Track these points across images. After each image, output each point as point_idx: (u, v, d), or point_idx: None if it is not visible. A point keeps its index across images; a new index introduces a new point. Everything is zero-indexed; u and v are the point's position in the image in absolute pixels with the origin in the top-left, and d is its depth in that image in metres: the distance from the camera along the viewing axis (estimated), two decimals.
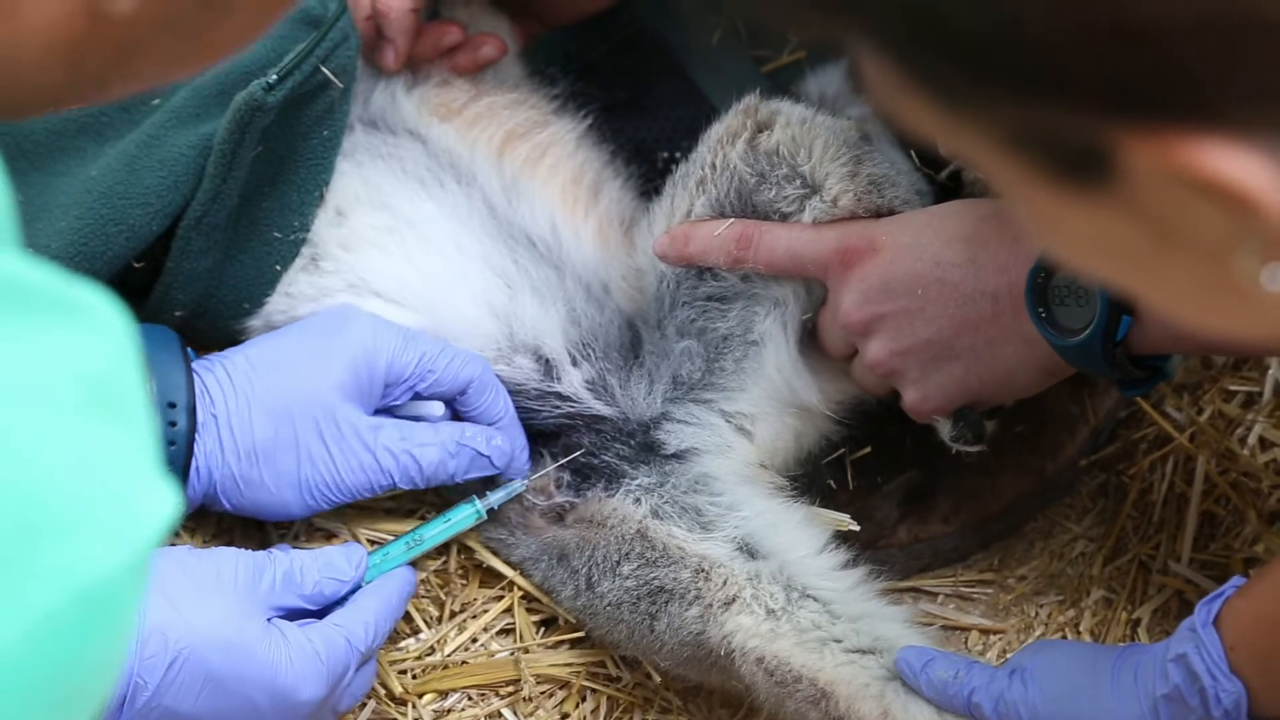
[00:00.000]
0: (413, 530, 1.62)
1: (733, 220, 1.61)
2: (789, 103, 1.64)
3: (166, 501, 0.74)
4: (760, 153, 1.60)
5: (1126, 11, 0.66)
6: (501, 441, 1.63)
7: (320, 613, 1.54)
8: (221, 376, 1.57)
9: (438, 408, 1.63)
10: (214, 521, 1.68)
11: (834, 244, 1.57)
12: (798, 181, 1.59)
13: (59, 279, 0.74)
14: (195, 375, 1.56)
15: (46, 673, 0.70)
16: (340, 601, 1.55)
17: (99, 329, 0.74)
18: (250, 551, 1.51)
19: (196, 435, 1.54)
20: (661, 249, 1.63)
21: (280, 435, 1.57)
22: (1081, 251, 0.81)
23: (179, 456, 1.53)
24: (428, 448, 1.60)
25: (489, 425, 1.64)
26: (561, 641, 1.67)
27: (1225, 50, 0.66)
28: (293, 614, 1.52)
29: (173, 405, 1.53)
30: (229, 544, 1.65)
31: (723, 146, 1.62)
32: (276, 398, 1.57)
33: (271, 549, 1.54)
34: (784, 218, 1.60)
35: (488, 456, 1.62)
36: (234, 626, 1.43)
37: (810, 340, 1.66)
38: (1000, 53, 0.70)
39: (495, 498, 1.64)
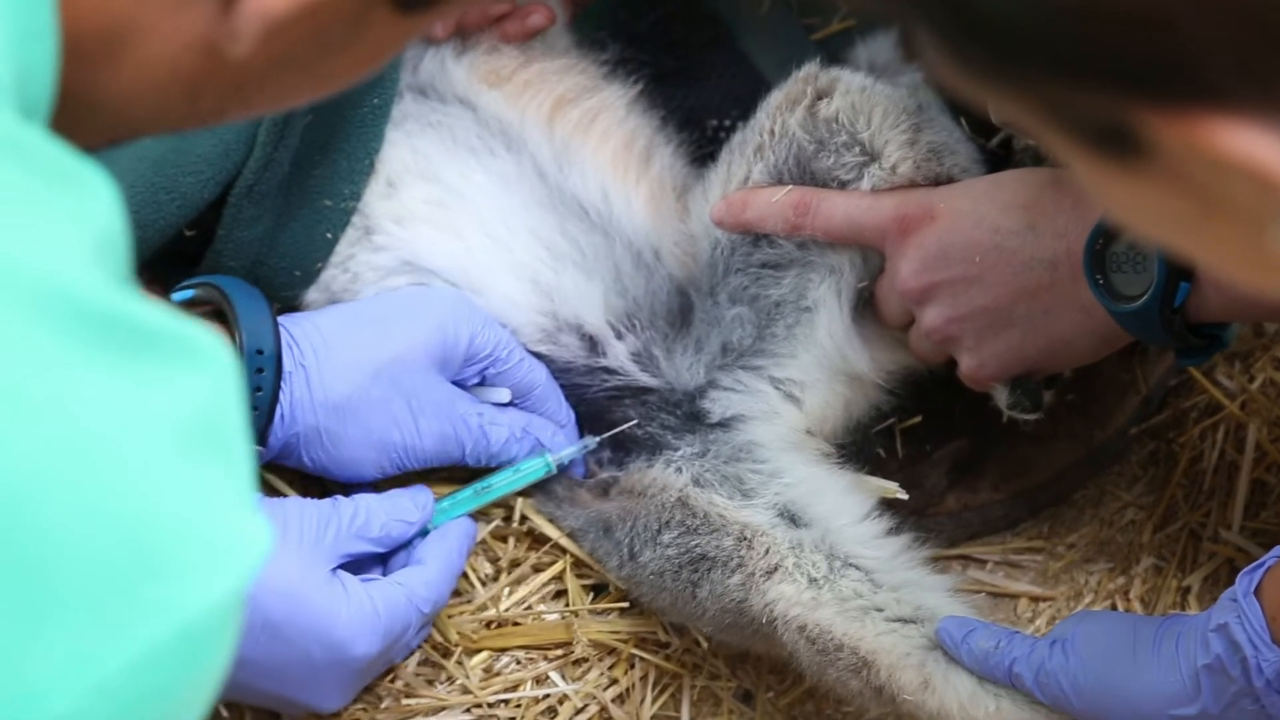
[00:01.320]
0: (482, 479, 1.65)
1: (791, 187, 1.61)
2: (849, 71, 1.64)
3: (262, 539, 0.77)
4: (819, 120, 1.60)
5: None
6: (563, 439, 1.66)
7: (387, 556, 1.58)
8: (310, 330, 1.59)
9: (504, 394, 1.65)
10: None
11: (892, 211, 1.57)
12: (857, 149, 1.59)
13: (170, 317, 0.76)
14: (283, 328, 1.57)
15: (143, 703, 0.73)
16: (407, 544, 1.58)
17: (206, 367, 0.77)
18: (316, 501, 1.53)
19: (283, 384, 1.55)
20: (718, 215, 1.64)
21: (367, 393, 1.58)
22: (1135, 217, 0.82)
23: (264, 403, 1.54)
24: (498, 427, 1.63)
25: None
26: (611, 608, 1.68)
27: (1237, 34, 0.66)
28: (361, 559, 1.55)
29: (260, 352, 1.54)
30: None
31: (782, 113, 1.62)
32: (366, 355, 1.59)
33: (337, 496, 1.56)
34: (842, 185, 1.60)
35: (548, 450, 1.64)
36: (296, 577, 1.46)
37: (864, 309, 1.66)
38: (1018, 33, 0.70)
39: (567, 452, 1.66)
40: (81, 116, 0.84)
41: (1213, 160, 0.70)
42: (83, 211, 0.77)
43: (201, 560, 0.74)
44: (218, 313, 1.57)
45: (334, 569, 1.51)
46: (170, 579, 0.73)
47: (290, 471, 1.66)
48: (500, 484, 1.65)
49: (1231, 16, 0.66)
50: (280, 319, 1.59)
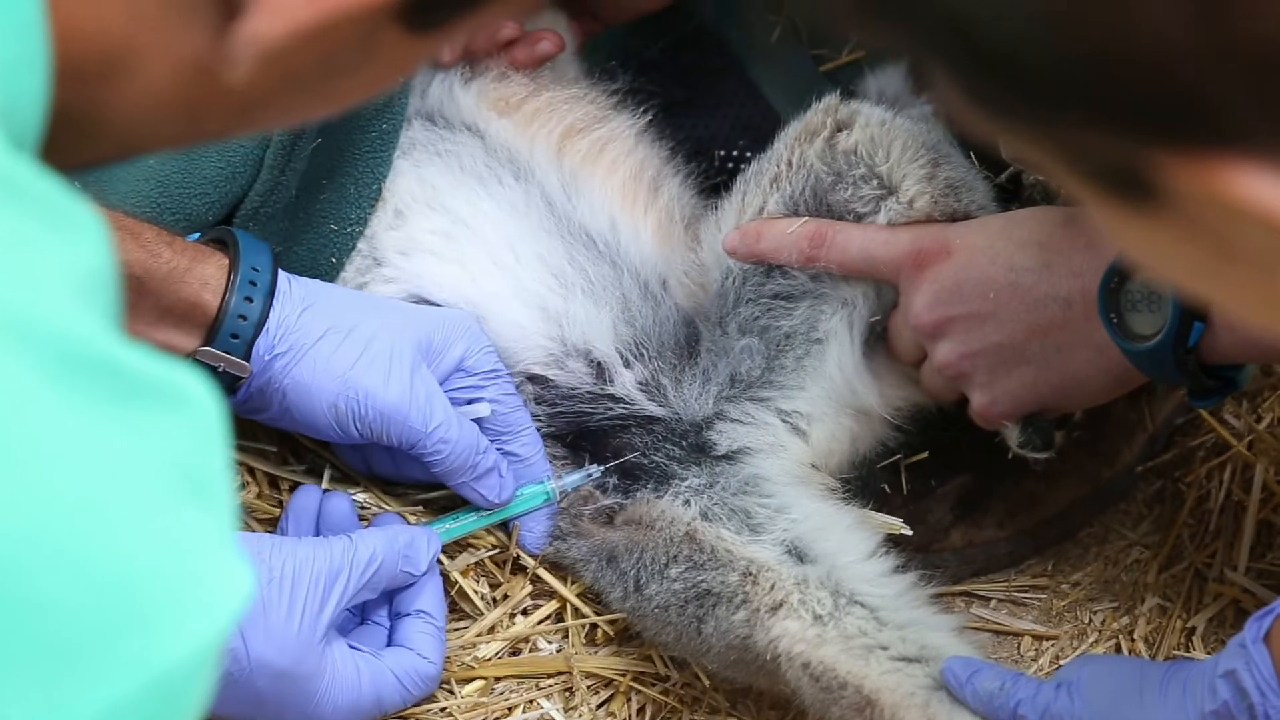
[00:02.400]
0: None
1: (806, 218, 1.61)
2: (869, 104, 1.64)
3: (243, 586, 0.75)
4: (838, 152, 1.60)
5: (1150, 41, 0.66)
6: (514, 479, 1.65)
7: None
8: (314, 286, 1.61)
9: (484, 409, 1.63)
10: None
11: (908, 245, 1.57)
12: (874, 182, 1.60)
13: (153, 360, 0.75)
14: (288, 279, 1.59)
15: None
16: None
17: (190, 411, 0.76)
18: (330, 544, 1.51)
19: (274, 303, 1.56)
20: (731, 245, 1.63)
21: (353, 320, 1.59)
22: (1149, 259, 0.81)
23: (255, 315, 1.55)
24: (469, 424, 1.62)
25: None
26: (610, 640, 1.67)
27: (1248, 79, 0.66)
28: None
29: (255, 269, 1.55)
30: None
31: (800, 144, 1.63)
32: (362, 299, 1.63)
33: (352, 535, 1.54)
34: (858, 218, 1.61)
35: (503, 477, 1.63)
36: (290, 658, 1.45)
37: (875, 344, 1.66)
38: (1029, 73, 0.70)
39: (570, 480, 1.65)
40: (83, 135, 0.83)
41: (1226, 205, 0.69)
42: (70, 250, 0.75)
43: (178, 609, 0.72)
44: (218, 240, 1.58)
45: (329, 639, 1.50)
46: (145, 628, 0.71)
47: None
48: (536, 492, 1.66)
49: (1245, 61, 0.65)
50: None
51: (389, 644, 1.58)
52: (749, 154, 1.81)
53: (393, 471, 1.68)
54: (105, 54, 0.80)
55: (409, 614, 1.58)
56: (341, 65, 0.86)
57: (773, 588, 1.51)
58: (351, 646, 1.54)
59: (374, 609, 1.61)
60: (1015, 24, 0.68)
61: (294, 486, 1.68)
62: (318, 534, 1.60)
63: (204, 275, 1.53)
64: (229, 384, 1.56)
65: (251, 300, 1.54)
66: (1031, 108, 0.72)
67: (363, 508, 1.68)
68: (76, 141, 0.83)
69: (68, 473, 0.71)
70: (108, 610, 0.70)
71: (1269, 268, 0.73)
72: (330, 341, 1.57)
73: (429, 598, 1.58)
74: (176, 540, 0.73)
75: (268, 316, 1.55)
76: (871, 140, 1.59)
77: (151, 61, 0.81)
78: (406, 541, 1.56)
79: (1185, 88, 0.67)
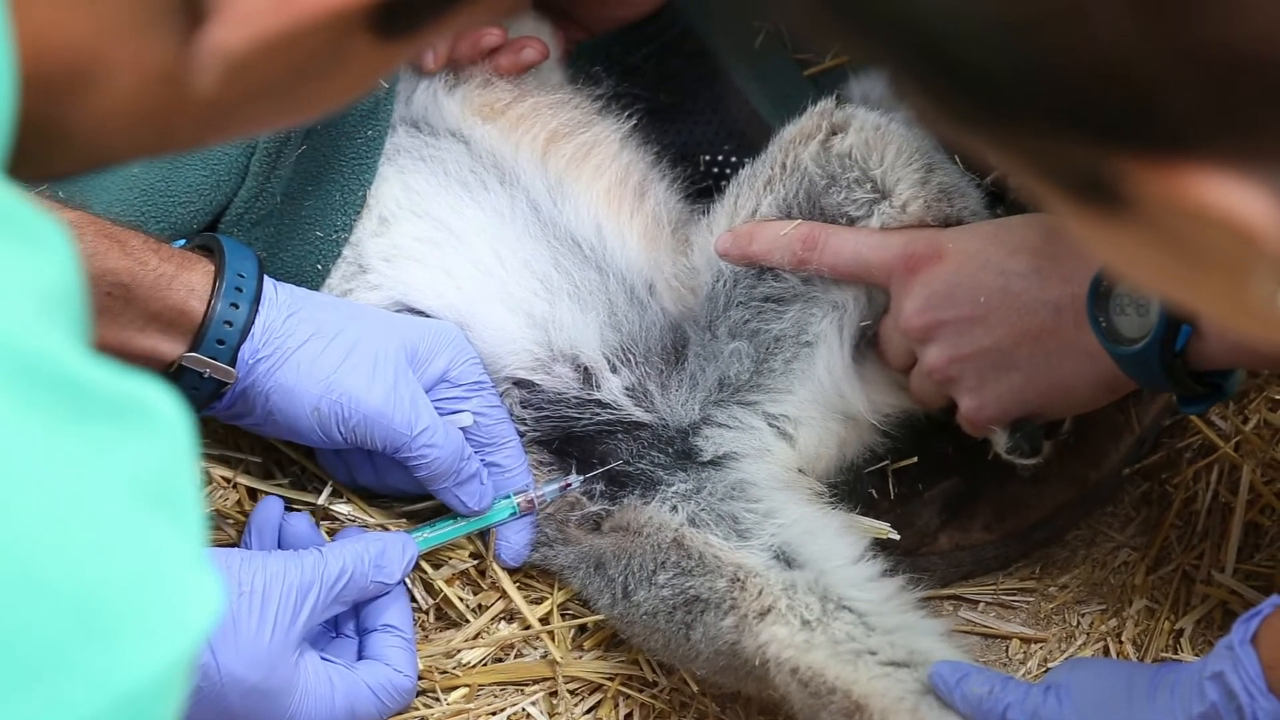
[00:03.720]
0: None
1: (799, 221, 1.62)
2: (864, 109, 1.64)
3: (211, 601, 0.75)
4: (833, 155, 1.61)
5: (1109, 49, 0.66)
6: (493, 490, 1.64)
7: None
8: (300, 293, 1.61)
9: (466, 418, 1.63)
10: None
11: (900, 249, 1.57)
12: (868, 185, 1.60)
13: (119, 376, 0.74)
14: (273, 285, 1.59)
15: None
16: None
17: (156, 427, 0.75)
18: (300, 556, 1.51)
19: (260, 307, 1.56)
20: (724, 247, 1.64)
21: (337, 327, 1.59)
22: (1122, 265, 0.81)
23: (240, 321, 1.55)
24: (454, 430, 1.61)
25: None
26: (598, 645, 1.67)
27: (1211, 86, 0.66)
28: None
29: (241, 275, 1.55)
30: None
31: (795, 147, 1.63)
32: (348, 307, 1.63)
33: (322, 549, 1.54)
34: (851, 221, 1.61)
35: (484, 485, 1.63)
36: (261, 672, 1.45)
37: (864, 349, 1.66)
38: (992, 83, 0.70)
39: (547, 490, 1.65)
40: (53, 146, 0.82)
41: (1192, 211, 0.70)
42: (35, 265, 0.74)
43: (143, 625, 0.71)
44: (204, 247, 1.58)
45: (302, 652, 1.50)
46: (108, 646, 0.70)
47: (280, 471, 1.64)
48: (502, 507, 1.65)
49: (1204, 68, 0.65)
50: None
51: (359, 658, 1.58)
52: (734, 159, 1.81)
53: (375, 481, 1.68)
54: (73, 66, 0.79)
55: (376, 629, 1.58)
56: (311, 73, 0.85)
57: (760, 593, 1.51)
58: (324, 659, 1.54)
59: (345, 622, 1.60)
60: (974, 34, 0.69)
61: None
62: (280, 548, 1.60)
63: (190, 282, 1.53)
64: (214, 390, 1.55)
65: (237, 306, 1.54)
66: (996, 118, 0.72)
67: (347, 520, 1.67)
68: (46, 152, 0.82)
69: (28, 490, 0.70)
70: (68, 629, 0.69)
71: (1236, 272, 0.73)
72: (315, 346, 1.57)
73: (396, 613, 1.58)
74: (141, 557, 0.72)
75: (253, 322, 1.55)
76: (866, 144, 1.60)
77: (120, 73, 0.80)
78: (378, 551, 1.55)
79: (1146, 95, 0.67)
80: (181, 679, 0.74)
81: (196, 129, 0.87)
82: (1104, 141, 0.70)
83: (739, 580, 1.53)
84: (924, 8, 0.69)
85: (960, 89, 0.71)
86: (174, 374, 1.54)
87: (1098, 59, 0.67)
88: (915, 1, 0.70)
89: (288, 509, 1.65)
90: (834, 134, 1.62)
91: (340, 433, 1.58)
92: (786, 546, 1.57)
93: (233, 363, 1.55)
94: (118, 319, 1.50)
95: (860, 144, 1.60)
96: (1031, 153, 0.74)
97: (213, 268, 1.55)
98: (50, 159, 0.83)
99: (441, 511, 1.66)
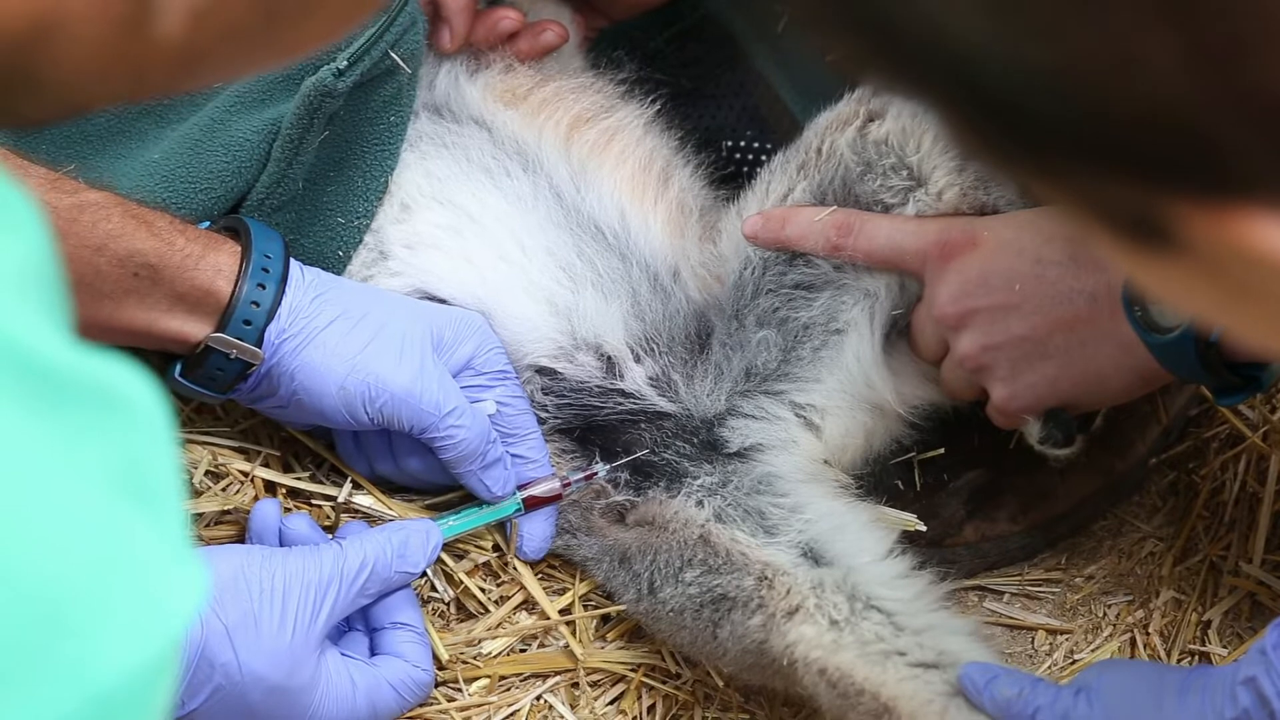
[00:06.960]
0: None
1: (834, 207, 1.61)
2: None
3: (193, 591, 0.72)
4: (869, 141, 1.61)
5: (1162, 97, 0.65)
6: (518, 476, 1.63)
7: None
8: (326, 277, 1.60)
9: (490, 406, 1.62)
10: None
11: (935, 236, 1.57)
12: (904, 172, 1.60)
13: (93, 360, 0.72)
14: (300, 267, 1.59)
15: None
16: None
17: (131, 414, 0.73)
18: (319, 552, 1.50)
19: (286, 289, 1.55)
20: (753, 229, 1.63)
21: (365, 307, 1.58)
22: (1166, 295, 0.81)
23: (267, 301, 1.54)
24: (481, 413, 1.60)
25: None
26: (621, 636, 1.66)
27: (1264, 132, 0.65)
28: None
29: (268, 256, 1.55)
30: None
31: (831, 133, 1.63)
32: (375, 293, 1.62)
33: (342, 541, 1.53)
34: (886, 209, 1.61)
35: (508, 470, 1.62)
36: (283, 671, 1.44)
37: (895, 340, 1.65)
38: (1042, 126, 0.69)
39: (573, 476, 1.64)
40: (25, 95, 0.80)
41: (1243, 253, 0.69)
42: (4, 243, 0.72)
43: (119, 621, 0.69)
44: (230, 229, 1.58)
45: (323, 650, 1.49)
46: (80, 642, 0.68)
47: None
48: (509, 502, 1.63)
49: (1257, 116, 0.65)
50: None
51: (372, 655, 1.57)
52: (756, 144, 1.81)
53: (393, 469, 1.66)
54: (36, 20, 0.77)
55: (387, 626, 1.57)
56: (284, 15, 0.83)
57: (789, 592, 1.51)
58: (344, 655, 1.53)
59: (355, 618, 1.59)
60: (1024, 80, 0.68)
61: (291, 491, 1.67)
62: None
63: (217, 263, 1.53)
64: (240, 371, 1.55)
65: (264, 287, 1.54)
66: (1043, 158, 0.71)
67: (369, 514, 1.66)
68: (19, 101, 0.80)
69: None
70: (37, 628, 0.67)
71: None
72: (341, 326, 1.57)
73: (407, 610, 1.57)
74: (115, 550, 0.70)
75: (280, 303, 1.55)
76: (903, 131, 1.59)
77: (84, 21, 0.78)
78: (401, 541, 1.54)
79: (1198, 142, 0.66)
80: (164, 674, 0.72)
81: (169, 74, 0.84)
82: (1154, 184, 0.69)
83: (767, 578, 1.52)
84: (974, 54, 0.68)
85: (1007, 131, 0.70)
86: (200, 355, 1.54)
87: (1150, 107, 0.66)
88: (964, 47, 0.68)
89: (307, 504, 1.64)
90: (871, 120, 1.61)
91: (367, 413, 1.57)
92: (814, 543, 1.56)
93: (259, 344, 1.55)
94: (144, 299, 1.50)
95: (897, 131, 1.60)
96: (1078, 191, 0.73)
97: (239, 249, 1.55)
98: (23, 105, 0.81)
99: (462, 504, 1.65)
